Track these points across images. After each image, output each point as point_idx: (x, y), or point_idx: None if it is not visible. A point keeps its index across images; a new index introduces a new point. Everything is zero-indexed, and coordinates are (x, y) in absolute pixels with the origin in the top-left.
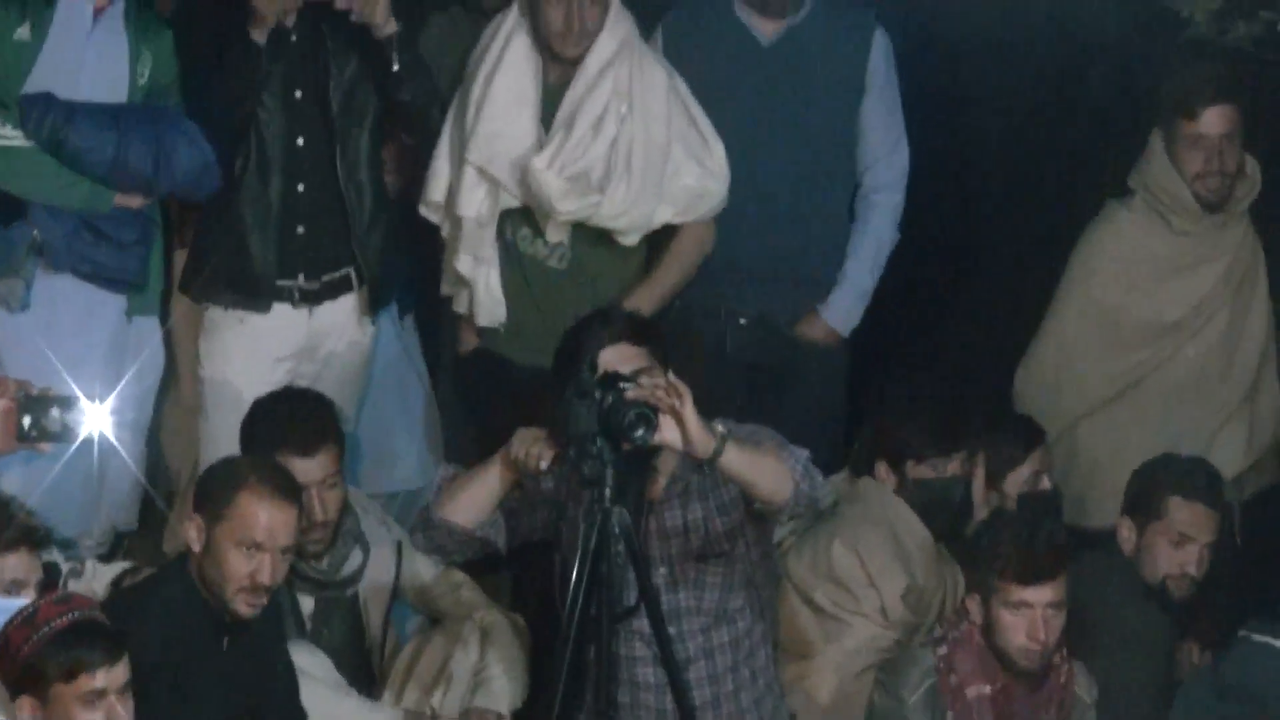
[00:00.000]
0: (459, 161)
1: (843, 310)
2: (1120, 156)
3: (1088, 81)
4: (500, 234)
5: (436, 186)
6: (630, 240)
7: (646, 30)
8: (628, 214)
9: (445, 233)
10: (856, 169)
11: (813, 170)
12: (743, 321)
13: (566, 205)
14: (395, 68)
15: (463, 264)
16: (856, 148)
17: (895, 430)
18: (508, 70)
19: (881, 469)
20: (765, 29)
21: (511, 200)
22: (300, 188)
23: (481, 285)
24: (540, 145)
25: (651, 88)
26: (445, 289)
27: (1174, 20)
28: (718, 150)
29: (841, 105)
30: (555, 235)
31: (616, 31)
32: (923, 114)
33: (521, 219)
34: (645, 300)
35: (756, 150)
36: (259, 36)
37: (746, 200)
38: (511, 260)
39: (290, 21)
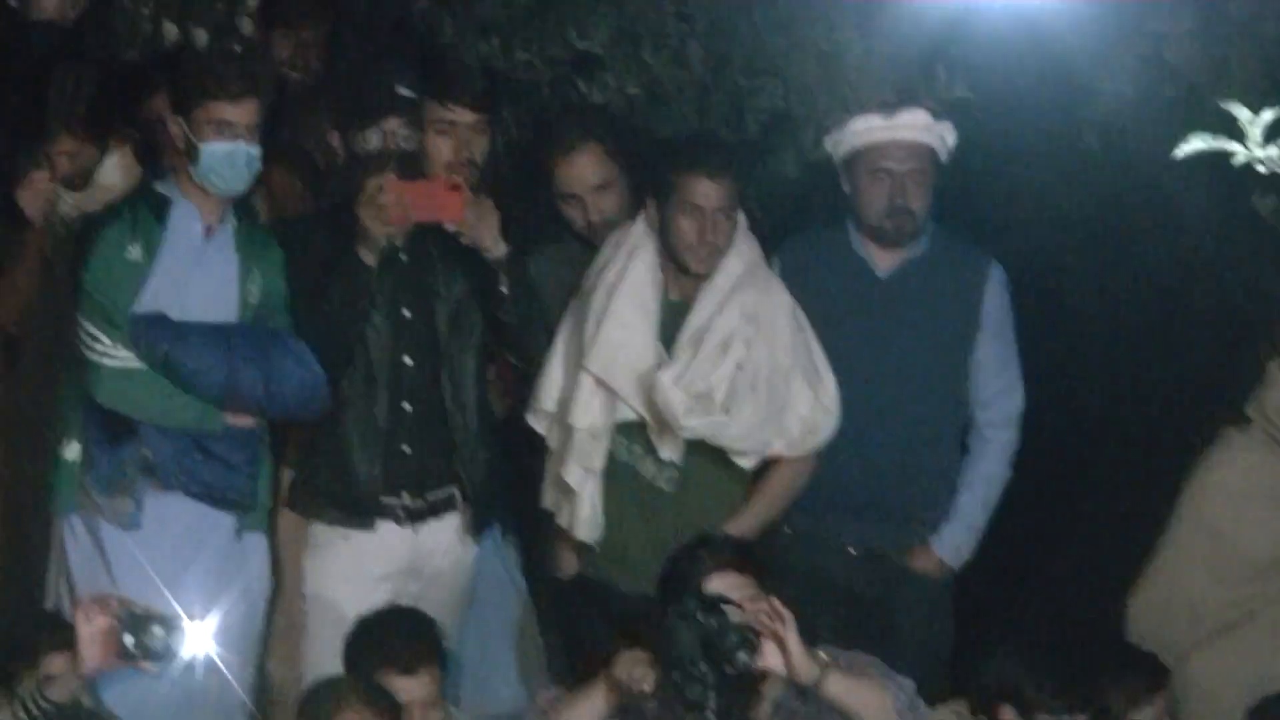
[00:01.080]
0: (576, 370)
1: (954, 544)
2: (1235, 378)
3: (1194, 298)
4: (615, 453)
5: (548, 395)
6: (748, 463)
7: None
8: (750, 437)
9: (553, 443)
10: (969, 406)
11: (924, 406)
12: (852, 552)
13: (691, 421)
14: (503, 290)
15: (571, 475)
16: (969, 385)
17: (1020, 682)
18: (632, 282)
19: (1007, 713)
20: (882, 260)
21: (629, 413)
22: (406, 406)
23: (587, 499)
24: (659, 361)
25: (777, 312)
26: (547, 502)
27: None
28: (830, 383)
29: (956, 342)
30: (670, 453)
31: (744, 252)
32: (1033, 337)
33: (634, 435)
34: (747, 528)
35: (868, 384)
36: (368, 257)
37: (858, 433)
38: (619, 478)
39: (400, 241)
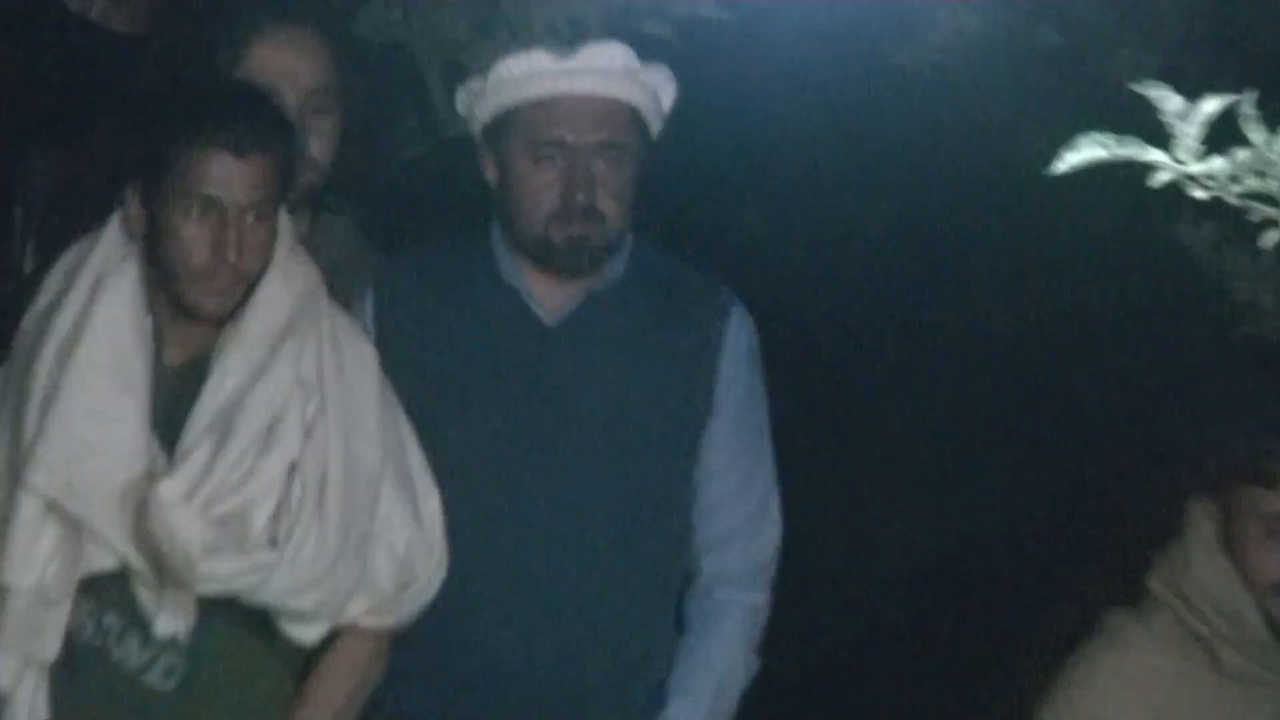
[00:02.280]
0: (9, 490)
1: None
2: (1131, 539)
3: (1077, 385)
4: (76, 627)
5: None
6: (310, 634)
7: None
8: (315, 589)
9: None
10: (690, 545)
11: (614, 544)
12: None
13: (215, 567)
14: None
15: (2, 671)
16: (691, 509)
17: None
18: (101, 335)
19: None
20: (549, 297)
21: (104, 560)
22: None
23: (26, 710)
24: (153, 466)
25: (356, 378)
26: None
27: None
28: (431, 503)
29: (671, 434)
30: (173, 622)
31: (295, 277)
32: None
33: (109, 597)
34: None
35: (518, 503)
36: None
37: (501, 587)
38: (83, 672)
39: None
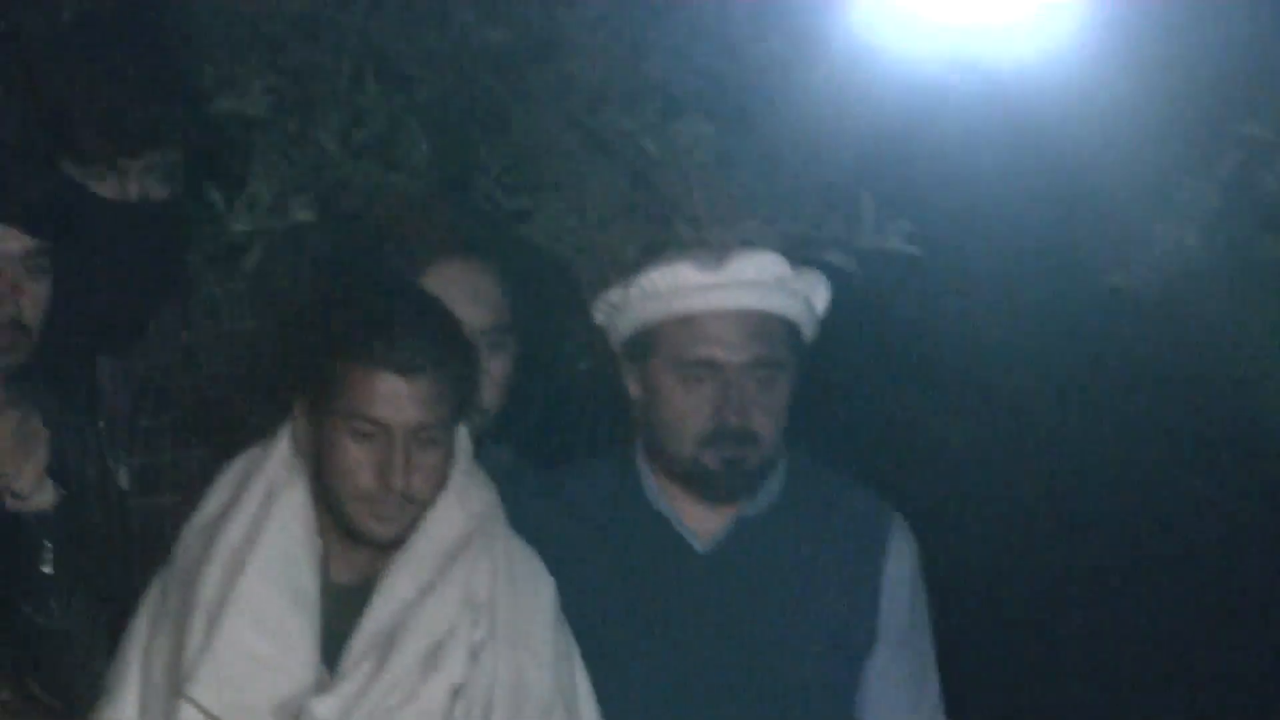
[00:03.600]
0: (168, 704)
1: None
2: None
3: None
4: None
5: None
6: None
7: None
8: None
9: None
10: None
11: None
12: None
13: None
14: (45, 569)
15: None
16: None
17: None
18: (271, 550)
19: None
20: (701, 522)
21: None
22: None
23: None
24: (322, 685)
25: (530, 605)
26: None
27: None
28: None
29: (834, 662)
30: None
31: (470, 499)
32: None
33: None
34: None
35: None
36: None
37: None
38: None
39: None
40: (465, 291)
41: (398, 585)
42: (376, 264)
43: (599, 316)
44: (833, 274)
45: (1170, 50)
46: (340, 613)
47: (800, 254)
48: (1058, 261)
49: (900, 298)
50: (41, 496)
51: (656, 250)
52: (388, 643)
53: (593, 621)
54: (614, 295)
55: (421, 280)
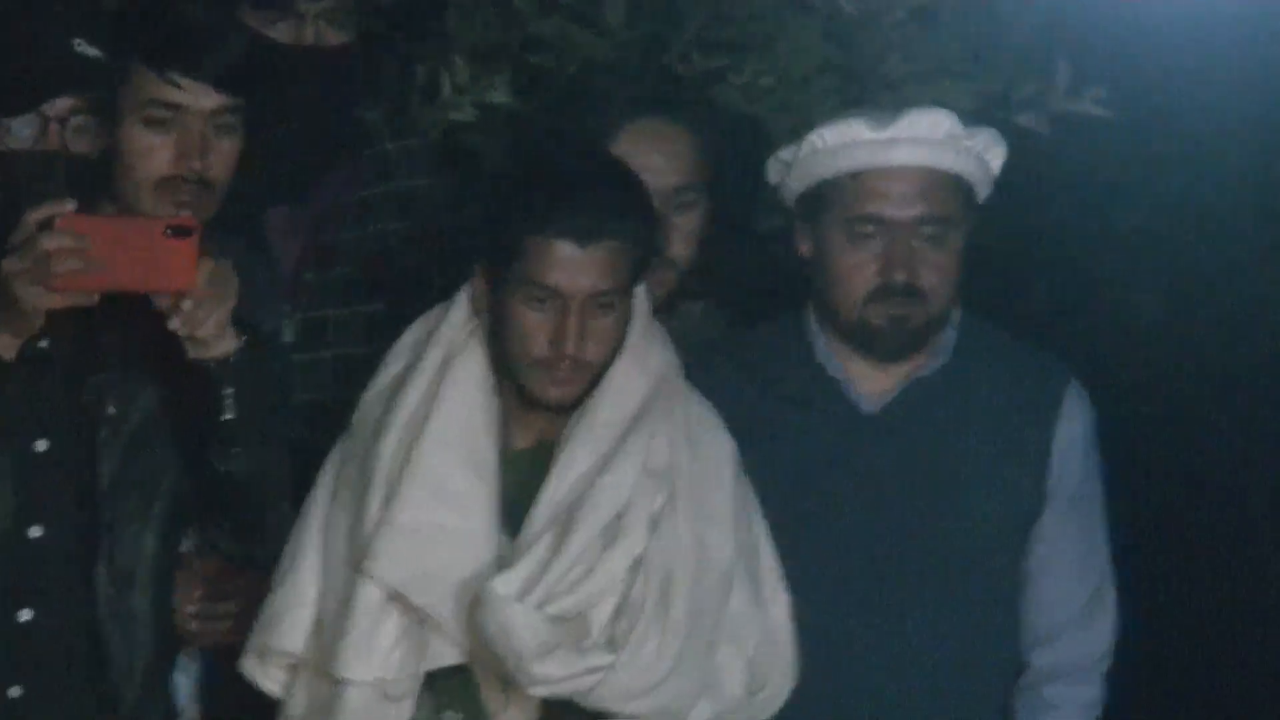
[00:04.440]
0: (347, 576)
1: None
2: None
3: None
4: None
5: (291, 623)
6: None
7: None
8: (656, 693)
9: (297, 710)
10: (1022, 640)
11: (942, 635)
12: None
13: (549, 669)
14: (226, 415)
15: None
16: (1024, 600)
17: None
18: (449, 417)
19: None
20: (869, 383)
21: (447, 655)
22: (25, 615)
23: None
24: (503, 562)
25: (710, 469)
26: None
27: None
28: (778, 605)
29: (1002, 524)
30: None
31: (649, 364)
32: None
33: (456, 694)
34: None
35: (844, 596)
36: (4, 347)
37: (828, 681)
38: None
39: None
40: (657, 149)
41: (576, 456)
42: (568, 123)
43: (772, 175)
44: (1027, 136)
45: None
46: (520, 478)
47: (993, 115)
48: (1242, 143)
49: (1093, 163)
50: (223, 344)
51: (854, 109)
52: (567, 516)
53: (766, 484)
54: (786, 152)
55: (614, 139)
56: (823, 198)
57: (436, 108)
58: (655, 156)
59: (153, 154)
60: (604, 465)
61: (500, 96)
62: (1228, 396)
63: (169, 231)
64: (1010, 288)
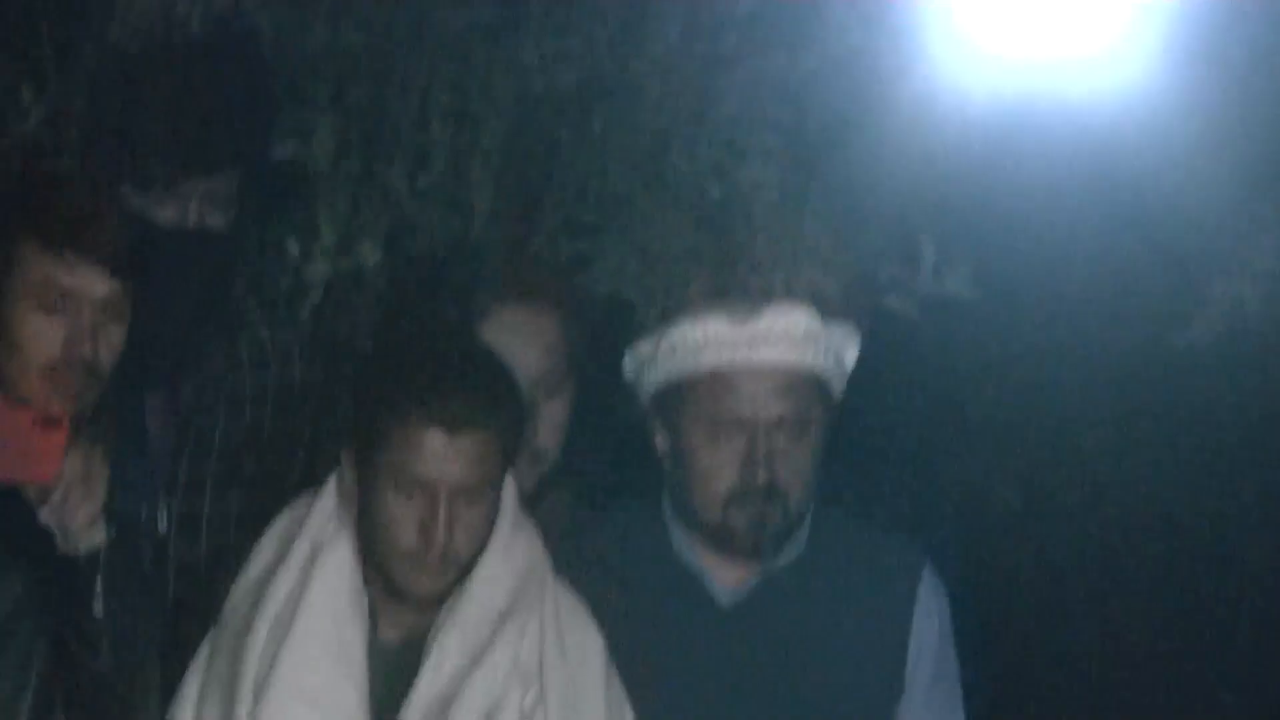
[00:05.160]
0: None
1: None
2: None
3: None
4: None
5: None
6: None
7: None
8: None
9: None
10: None
11: None
12: None
13: None
14: (95, 609)
15: None
16: None
17: None
18: (318, 609)
19: None
20: (725, 576)
21: None
22: None
23: None
24: None
25: (581, 664)
26: None
27: None
28: None
29: (858, 714)
30: None
31: (515, 554)
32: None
33: None
34: None
35: None
36: None
37: None
38: None
39: None
40: (524, 336)
41: (447, 653)
42: (435, 311)
43: (628, 371)
44: (893, 318)
45: (1244, 98)
46: (388, 673)
47: (861, 300)
48: (1121, 316)
49: (959, 344)
50: (94, 536)
51: (720, 293)
52: (440, 715)
53: (624, 676)
54: (643, 348)
55: (482, 325)
56: (682, 394)
57: (306, 272)
58: (524, 343)
59: (42, 339)
60: (475, 663)
61: (373, 256)
62: (1085, 583)
63: (38, 423)
64: (869, 475)
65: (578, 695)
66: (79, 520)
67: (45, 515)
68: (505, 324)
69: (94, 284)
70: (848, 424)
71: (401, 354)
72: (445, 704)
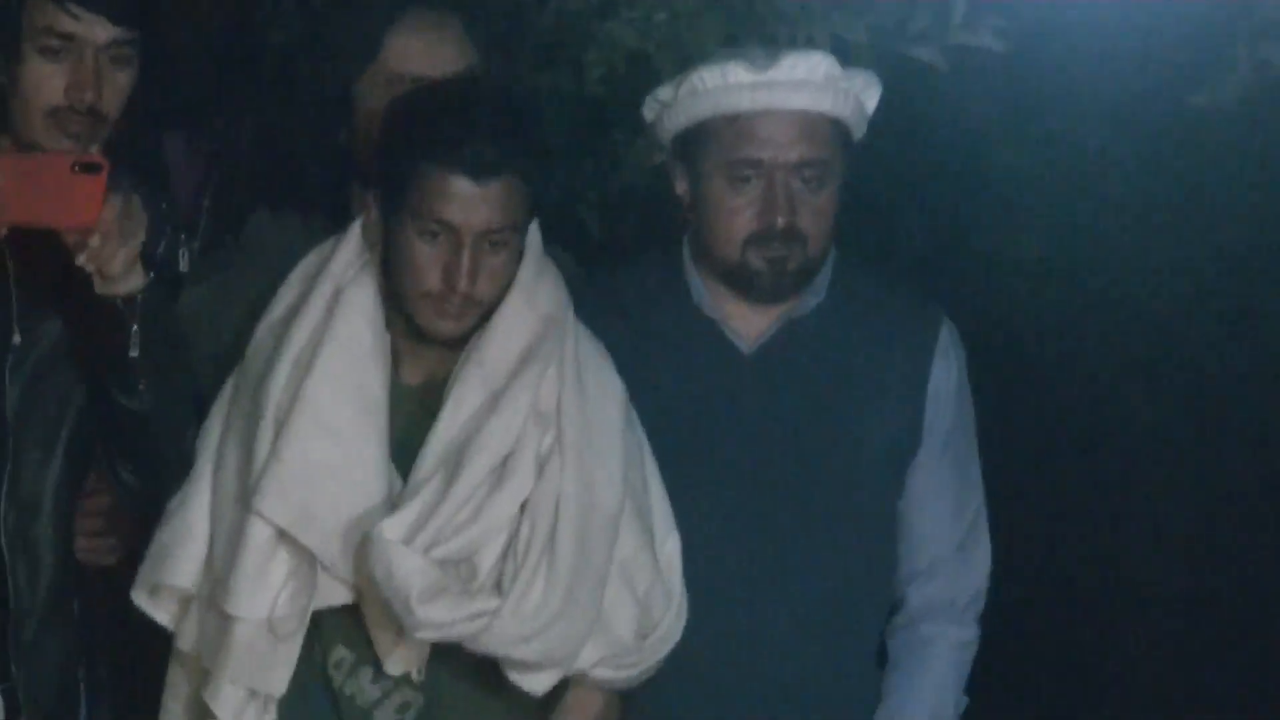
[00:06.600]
0: (238, 513)
1: None
2: None
3: None
4: (302, 658)
5: (183, 557)
6: (538, 687)
7: None
8: (542, 637)
9: (188, 644)
10: (897, 577)
11: (818, 572)
12: None
13: (435, 613)
14: (131, 351)
15: (224, 704)
16: (899, 538)
17: None
18: (339, 351)
19: None
20: (746, 323)
21: (336, 594)
22: None
23: None
24: (392, 499)
25: (600, 409)
26: None
27: None
28: (669, 545)
29: (877, 464)
30: (399, 666)
31: (539, 301)
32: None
33: (343, 634)
34: None
35: (721, 535)
36: None
37: (706, 621)
38: (310, 706)
39: None
40: (427, 42)
41: (466, 395)
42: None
43: (648, 114)
44: (922, 70)
45: None
46: (410, 414)
47: (888, 48)
48: (1148, 75)
49: (988, 97)
50: (131, 281)
51: (740, 44)
52: (456, 457)
53: (645, 424)
54: (663, 93)
55: (389, 32)
56: (701, 138)
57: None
58: (430, 49)
59: (45, 83)
60: (493, 406)
61: None
62: (1104, 337)
63: (77, 168)
64: (890, 226)
65: (595, 439)
66: (117, 265)
67: (82, 260)
68: (415, 29)
69: (95, 30)
70: (870, 174)
71: (431, 99)
72: (462, 446)
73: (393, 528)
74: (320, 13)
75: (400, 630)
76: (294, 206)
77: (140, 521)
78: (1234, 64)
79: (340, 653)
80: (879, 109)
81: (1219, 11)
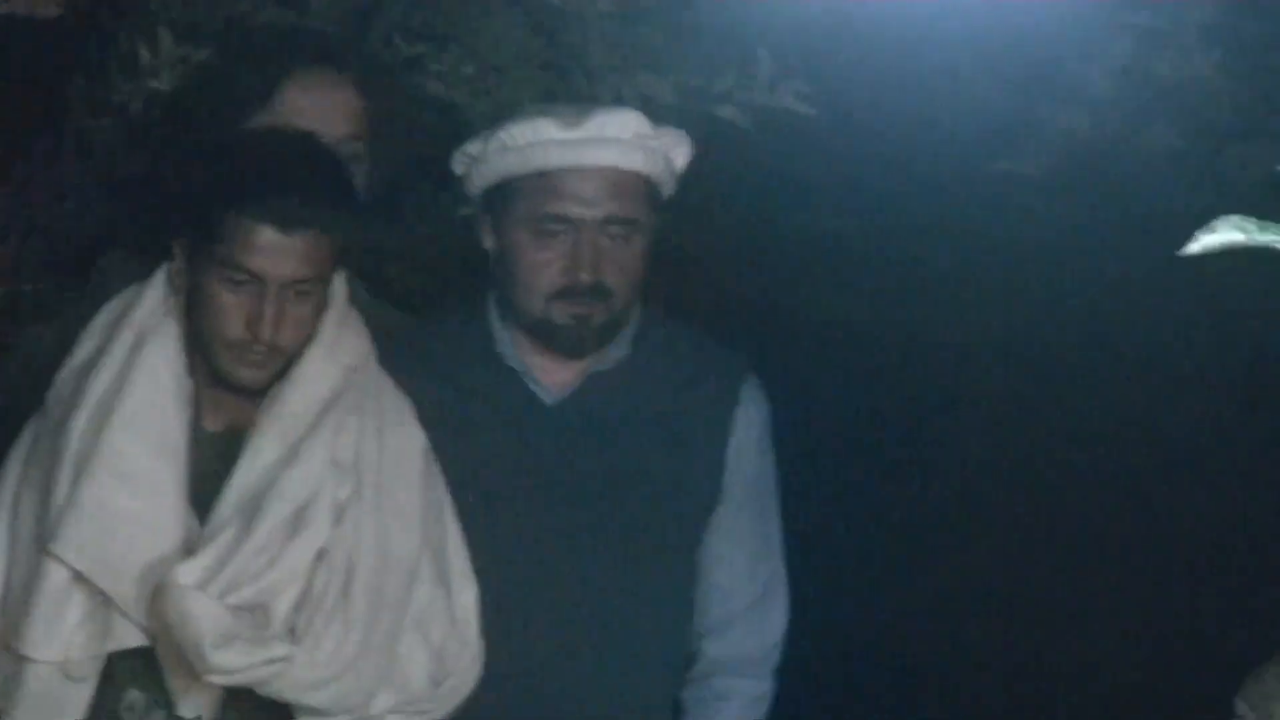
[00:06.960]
0: (34, 556)
1: None
2: None
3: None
4: (95, 701)
5: None
6: None
7: None
8: (335, 684)
9: None
10: (693, 630)
11: (615, 623)
12: None
13: (228, 659)
14: None
15: None
16: (695, 592)
17: None
18: (140, 397)
19: None
20: (551, 375)
21: (131, 636)
22: None
23: None
24: (189, 545)
25: (399, 460)
26: None
27: None
28: (466, 595)
29: (675, 518)
30: (192, 709)
31: (341, 352)
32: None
33: (138, 676)
34: None
35: (521, 586)
36: None
37: (502, 667)
38: None
39: None
40: (320, 97)
41: (264, 444)
42: (236, 70)
43: (458, 167)
44: (727, 131)
45: None
46: (212, 460)
47: (694, 108)
48: (946, 145)
49: (793, 158)
50: None
51: (551, 100)
52: (254, 505)
53: (447, 475)
54: (473, 147)
55: (279, 91)
56: (509, 194)
57: (139, 75)
58: (322, 104)
59: None
60: (292, 455)
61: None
62: (911, 395)
63: None
64: (700, 283)
65: (393, 490)
66: None
67: None
68: (307, 85)
69: None
70: (679, 230)
71: (239, 148)
72: (260, 493)
73: (188, 573)
74: (222, 50)
75: (194, 673)
76: (149, 248)
77: None
78: (1039, 130)
79: (133, 695)
80: (691, 166)
81: (1025, 77)
